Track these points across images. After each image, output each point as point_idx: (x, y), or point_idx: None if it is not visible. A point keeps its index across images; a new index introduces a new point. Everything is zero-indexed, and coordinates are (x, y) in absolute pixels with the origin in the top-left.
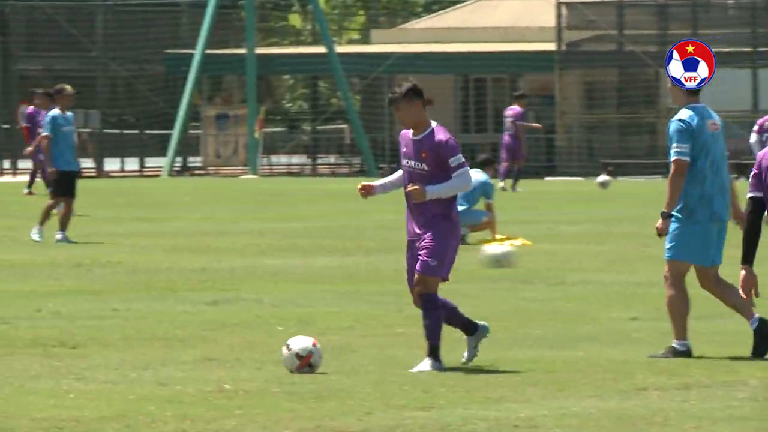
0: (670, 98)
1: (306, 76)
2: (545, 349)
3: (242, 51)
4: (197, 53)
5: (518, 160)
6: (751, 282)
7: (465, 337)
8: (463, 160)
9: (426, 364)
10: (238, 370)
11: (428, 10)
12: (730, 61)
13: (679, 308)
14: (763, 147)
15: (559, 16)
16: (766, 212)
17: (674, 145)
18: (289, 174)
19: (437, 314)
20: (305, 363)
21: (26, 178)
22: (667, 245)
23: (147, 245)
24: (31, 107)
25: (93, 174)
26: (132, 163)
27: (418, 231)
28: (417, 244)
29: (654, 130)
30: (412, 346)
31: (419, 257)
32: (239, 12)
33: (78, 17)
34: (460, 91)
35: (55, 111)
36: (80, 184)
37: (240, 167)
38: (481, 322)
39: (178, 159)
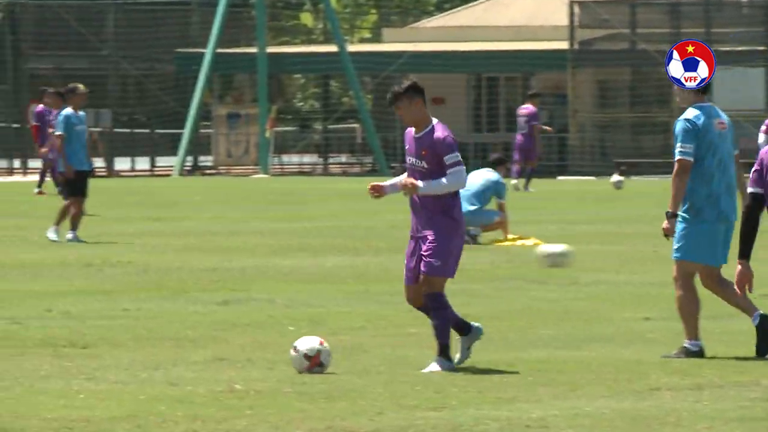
0: (678, 98)
1: (317, 75)
2: (557, 349)
3: (253, 50)
4: (208, 52)
5: (531, 160)
6: (746, 277)
7: (458, 337)
8: (459, 158)
9: (436, 364)
10: (249, 371)
11: (440, 8)
12: (743, 59)
13: (689, 308)
14: None
15: (571, 14)
16: (765, 208)
17: (678, 144)
18: (301, 173)
19: (445, 313)
20: (315, 363)
21: (36, 177)
22: (675, 245)
23: (158, 245)
24: (41, 106)
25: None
26: (143, 163)
27: (420, 228)
28: (420, 243)
29: (667, 129)
30: (423, 346)
31: (423, 258)
32: (250, 11)
33: (88, 16)
34: (473, 90)
35: (68, 110)
36: (91, 184)
37: (251, 166)
38: (475, 324)
39: (189, 158)
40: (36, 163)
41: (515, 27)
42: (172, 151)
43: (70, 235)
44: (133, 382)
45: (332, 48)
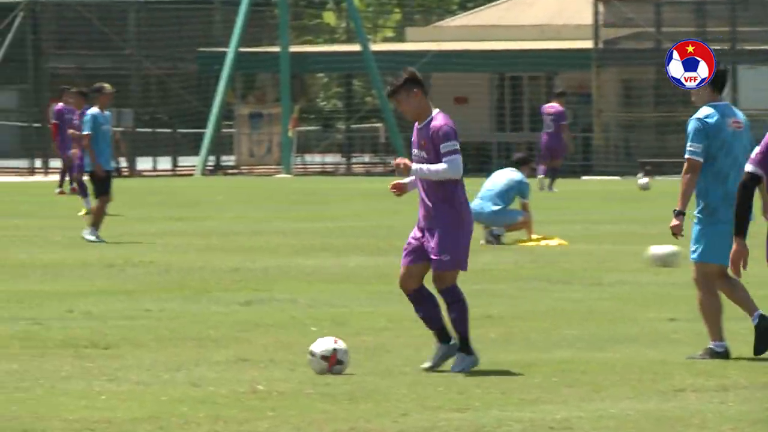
0: (693, 97)
1: (340, 74)
2: (581, 350)
3: (276, 49)
4: (230, 51)
5: (557, 159)
6: (742, 254)
7: (437, 343)
8: (456, 147)
9: (461, 361)
10: (272, 371)
11: (463, 7)
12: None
13: (711, 309)
14: None
15: (596, 13)
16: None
17: (688, 143)
18: (323, 173)
19: (461, 306)
20: (333, 362)
21: (57, 177)
22: (692, 247)
23: (180, 245)
24: (60, 104)
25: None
26: (165, 162)
27: (425, 221)
28: (427, 235)
29: None
30: None
31: (431, 257)
32: (273, 10)
33: (110, 15)
34: (496, 90)
35: (95, 109)
36: (113, 184)
37: (274, 166)
38: (454, 341)
39: (211, 158)
40: (57, 163)
41: (539, 26)
42: (195, 150)
43: (90, 234)
44: (155, 382)
45: (355, 47)
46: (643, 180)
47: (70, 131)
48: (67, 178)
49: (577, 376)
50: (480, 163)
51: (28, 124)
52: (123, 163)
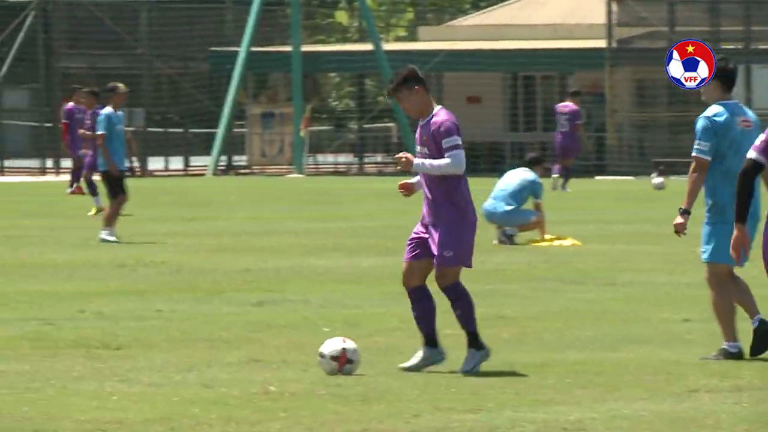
0: (703, 96)
1: (352, 73)
2: (595, 351)
3: (288, 48)
4: (242, 51)
5: (570, 158)
6: (742, 241)
7: (423, 347)
8: (459, 142)
9: (472, 357)
10: (284, 372)
11: (476, 6)
12: None
13: (724, 310)
14: None
15: (609, 12)
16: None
17: (696, 141)
18: (336, 173)
19: (465, 302)
20: (343, 362)
21: (69, 177)
22: (703, 247)
23: (191, 245)
24: (71, 104)
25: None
26: (176, 162)
27: (428, 218)
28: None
29: None
30: (460, 347)
31: (434, 253)
32: (285, 9)
33: (122, 14)
34: (509, 89)
35: (109, 109)
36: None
37: (286, 166)
38: (440, 348)
39: (223, 158)
40: (68, 163)
41: (552, 25)
42: (206, 150)
43: (104, 235)
44: (166, 383)
45: (368, 46)
46: (657, 180)
47: (81, 131)
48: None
49: (591, 376)
50: (493, 163)
51: (40, 123)
52: (136, 162)
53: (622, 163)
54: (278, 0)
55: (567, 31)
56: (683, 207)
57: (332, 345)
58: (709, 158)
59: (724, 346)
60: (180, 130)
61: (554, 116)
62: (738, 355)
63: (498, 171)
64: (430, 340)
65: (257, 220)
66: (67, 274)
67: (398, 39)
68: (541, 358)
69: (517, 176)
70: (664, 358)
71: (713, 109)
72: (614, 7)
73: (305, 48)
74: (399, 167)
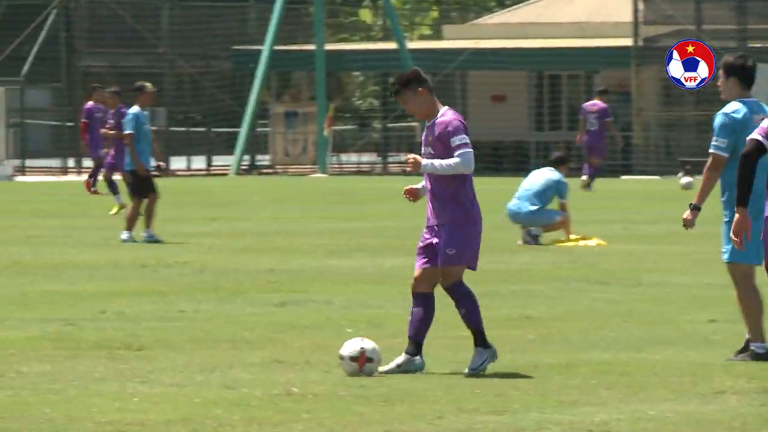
0: (722, 94)
1: (376, 72)
2: (620, 351)
3: (311, 47)
4: (265, 49)
5: (597, 158)
6: (743, 226)
7: (404, 354)
8: (467, 141)
9: (479, 356)
10: (307, 373)
11: (501, 5)
12: None
13: (749, 310)
14: None
15: (635, 10)
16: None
17: (714, 138)
18: (359, 173)
19: (469, 300)
20: (363, 361)
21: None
22: (723, 248)
23: (214, 245)
24: (90, 103)
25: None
26: (199, 162)
27: (432, 218)
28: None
29: None
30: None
31: (440, 251)
32: (308, 7)
33: (143, 13)
34: (534, 88)
35: (136, 108)
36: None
37: (309, 166)
38: (419, 360)
39: (246, 157)
40: (90, 162)
41: (577, 23)
42: (229, 150)
43: (124, 236)
44: (188, 384)
45: (392, 45)
46: (685, 179)
47: (104, 130)
48: (100, 178)
49: (616, 377)
50: (517, 162)
51: (61, 123)
52: (162, 161)
53: (648, 163)
54: None
55: (593, 30)
56: (694, 203)
57: (351, 346)
58: (726, 155)
59: (751, 347)
60: (202, 129)
61: (581, 115)
62: (765, 356)
63: (523, 171)
64: (413, 348)
65: (280, 220)
66: (88, 275)
67: (423, 37)
68: (566, 359)
69: (541, 176)
70: (690, 359)
71: (732, 106)
72: (641, 5)
73: (329, 46)
74: (408, 169)
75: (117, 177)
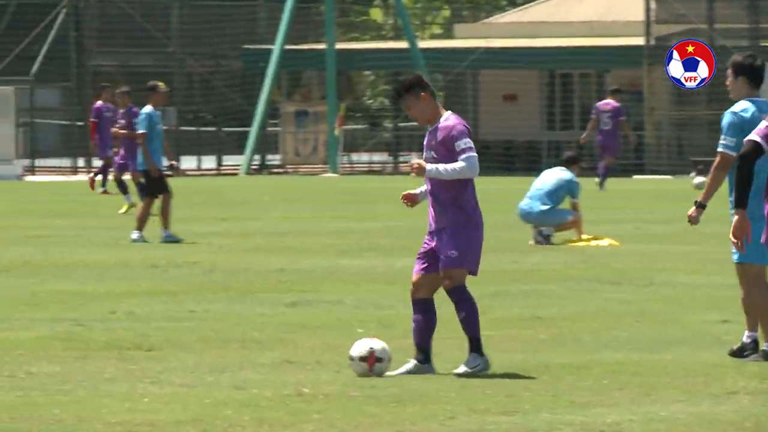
0: (731, 93)
1: (387, 71)
2: (632, 352)
3: (322, 46)
4: (276, 48)
5: (609, 157)
6: (745, 226)
7: (414, 361)
8: (471, 145)
9: (472, 359)
10: (318, 373)
11: (513, 3)
12: None
13: (763, 309)
14: None
15: (647, 9)
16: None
17: (722, 137)
18: (370, 172)
19: (469, 305)
20: (372, 361)
21: (100, 176)
22: (733, 249)
23: (224, 245)
24: (99, 102)
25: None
26: (209, 162)
27: (434, 222)
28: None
29: None
30: (496, 349)
31: (440, 256)
32: (319, 6)
33: (153, 12)
34: (546, 87)
35: (149, 108)
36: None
37: (320, 165)
38: (428, 365)
39: (256, 157)
40: (99, 162)
41: (589, 22)
42: (239, 149)
43: (135, 235)
44: (198, 385)
45: (403, 44)
46: (698, 179)
47: (114, 130)
48: (110, 177)
49: (628, 378)
50: (529, 162)
51: (71, 122)
52: (165, 162)
53: (660, 162)
54: None
55: (604, 29)
56: (699, 200)
57: (360, 346)
58: (734, 154)
59: (764, 347)
60: (213, 128)
61: (592, 115)
62: None
63: (534, 170)
64: (423, 354)
65: (291, 220)
66: (98, 275)
67: (434, 36)
68: (578, 360)
69: (553, 175)
70: (702, 360)
71: (740, 105)
72: (652, 4)
73: (339, 46)
74: (412, 174)
75: (126, 177)
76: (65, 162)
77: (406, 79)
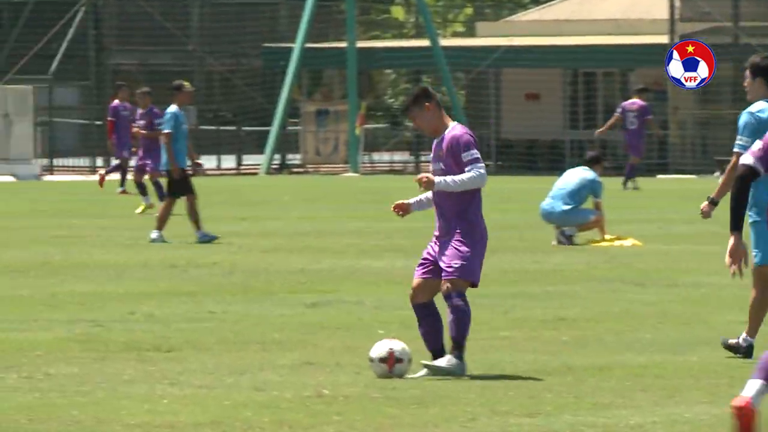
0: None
1: (409, 70)
2: (656, 353)
3: (343, 44)
4: (296, 47)
5: (636, 157)
6: (739, 251)
7: (424, 368)
8: (478, 156)
9: (447, 360)
10: (338, 375)
11: (536, 1)
12: None
13: None
14: None
15: (672, 7)
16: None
17: (738, 137)
18: (392, 172)
19: (462, 312)
20: (392, 362)
21: (119, 176)
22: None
23: (244, 245)
24: (116, 101)
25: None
26: (229, 161)
27: (439, 231)
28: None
29: None
30: (517, 350)
31: (443, 266)
32: (340, 4)
33: (172, 10)
34: (569, 86)
35: (175, 108)
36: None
37: (340, 165)
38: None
39: (277, 156)
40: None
41: (613, 20)
42: (259, 149)
43: (154, 235)
44: (218, 386)
45: (424, 42)
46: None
47: (136, 130)
48: (130, 177)
49: (652, 380)
50: (552, 161)
51: (90, 121)
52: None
53: (684, 162)
54: None
55: (628, 27)
56: (712, 197)
57: (379, 348)
58: None
59: None
60: (232, 128)
61: (617, 113)
62: None
63: (557, 169)
64: (439, 356)
65: (311, 220)
66: (117, 275)
67: (456, 35)
68: (600, 361)
69: (576, 175)
70: (726, 361)
71: (758, 105)
72: (677, 2)
73: (360, 44)
74: (421, 188)
75: (145, 177)
76: (84, 161)
77: (412, 91)
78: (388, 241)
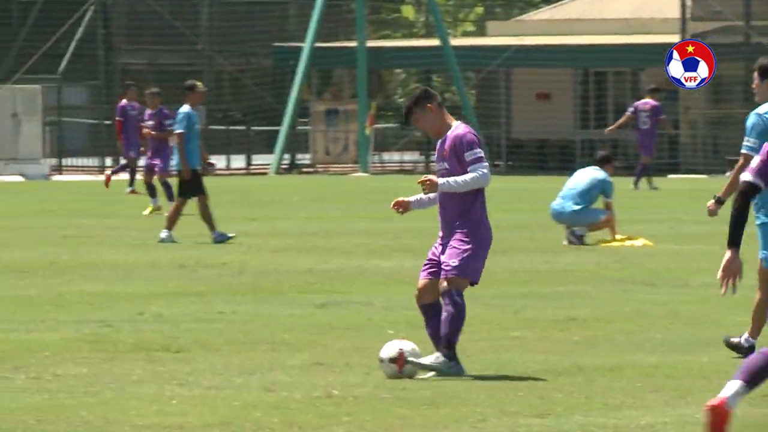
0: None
1: (419, 69)
2: (667, 354)
3: (353, 44)
4: (306, 46)
5: (648, 157)
6: (735, 268)
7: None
8: (482, 155)
9: (435, 357)
10: (348, 375)
11: (546, 1)
12: None
13: None
14: None
15: (683, 6)
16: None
17: (746, 138)
18: (401, 172)
19: (456, 311)
20: (402, 362)
21: (128, 176)
22: (761, 253)
23: (253, 245)
24: (124, 101)
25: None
26: (238, 161)
27: (442, 231)
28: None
29: None
30: (528, 350)
31: (443, 264)
32: (349, 3)
33: (182, 9)
34: (580, 86)
35: (187, 108)
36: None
37: (350, 165)
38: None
39: (286, 156)
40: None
41: (624, 20)
42: (269, 148)
43: (164, 235)
44: (227, 387)
45: (434, 42)
46: None
47: (146, 130)
48: (139, 177)
49: (663, 380)
50: (562, 161)
51: (99, 121)
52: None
53: (695, 161)
54: None
55: (639, 26)
56: (719, 195)
57: (389, 348)
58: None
59: None
60: (242, 127)
61: (628, 112)
62: None
63: (568, 169)
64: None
65: (320, 220)
66: (125, 275)
67: (466, 34)
68: (611, 361)
69: (586, 175)
70: (737, 362)
71: (765, 107)
72: (688, 1)
73: (370, 43)
74: (424, 190)
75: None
76: (93, 161)
77: (414, 93)
78: (396, 241)
